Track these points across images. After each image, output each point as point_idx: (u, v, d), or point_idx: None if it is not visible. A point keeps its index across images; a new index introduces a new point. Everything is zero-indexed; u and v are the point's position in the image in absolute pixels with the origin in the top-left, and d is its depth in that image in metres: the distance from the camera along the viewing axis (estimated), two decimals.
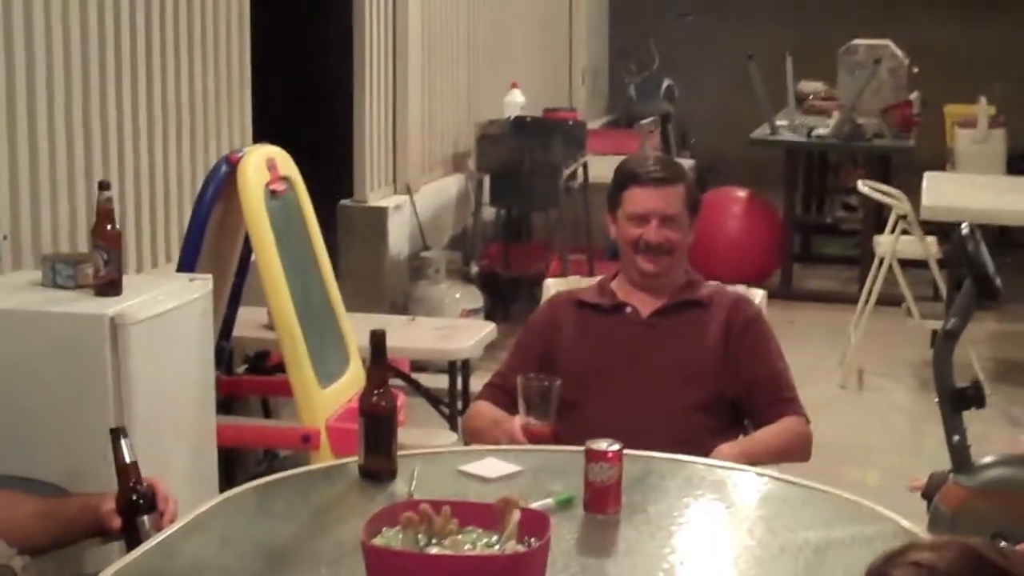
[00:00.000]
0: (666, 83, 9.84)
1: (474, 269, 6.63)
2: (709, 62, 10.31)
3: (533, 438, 2.78)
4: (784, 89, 8.53)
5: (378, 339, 2.47)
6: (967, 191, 6.70)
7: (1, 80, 3.57)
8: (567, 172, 6.71)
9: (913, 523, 2.36)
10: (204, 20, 4.65)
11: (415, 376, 4.90)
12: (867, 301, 6.32)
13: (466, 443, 3.16)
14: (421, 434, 4.41)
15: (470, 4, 7.38)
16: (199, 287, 3.38)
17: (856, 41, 8.36)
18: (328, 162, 5.83)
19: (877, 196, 6.49)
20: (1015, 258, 7.40)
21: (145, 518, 2.34)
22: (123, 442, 2.37)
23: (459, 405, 4.63)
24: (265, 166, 3.80)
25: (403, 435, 2.62)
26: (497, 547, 2.01)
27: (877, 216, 7.26)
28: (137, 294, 3.15)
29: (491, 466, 2.56)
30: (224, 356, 4.17)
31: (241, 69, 4.95)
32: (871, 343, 6.35)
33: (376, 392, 2.45)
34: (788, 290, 7.67)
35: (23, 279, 3.36)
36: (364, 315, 4.78)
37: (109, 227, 3.11)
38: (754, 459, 2.82)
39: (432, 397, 4.84)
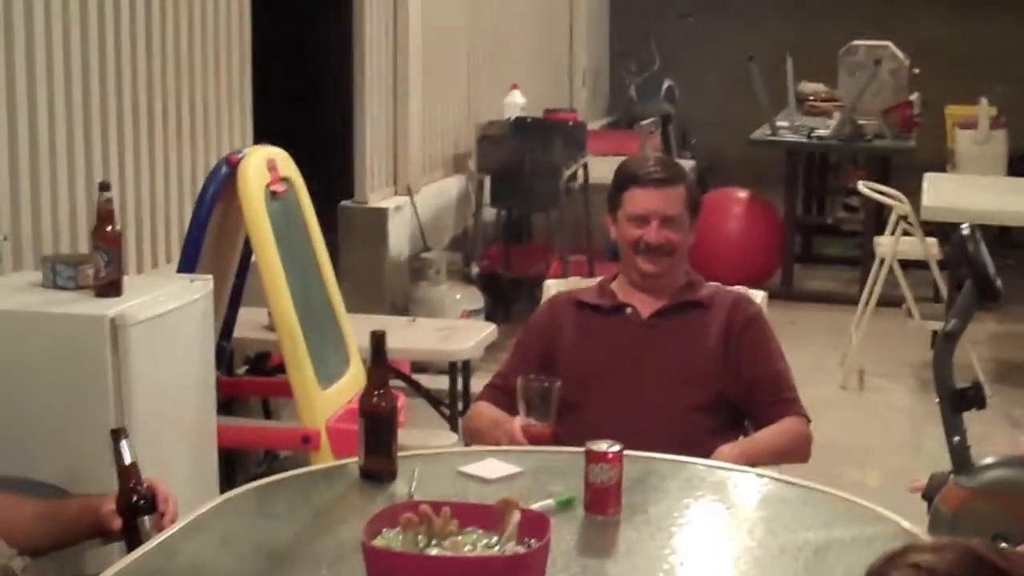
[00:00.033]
0: (666, 84, 9.83)
1: (475, 270, 6.63)
2: (710, 63, 10.30)
3: (533, 439, 2.78)
4: (785, 90, 8.53)
5: (378, 340, 2.47)
6: (968, 192, 6.70)
7: (1, 80, 3.58)
8: (567, 173, 6.71)
9: (913, 524, 2.35)
10: (204, 21, 4.65)
11: (415, 377, 4.90)
12: (868, 302, 6.32)
13: (467, 444, 3.16)
14: (421, 435, 4.41)
15: (470, 5, 7.38)
16: (199, 288, 3.38)
17: (856, 42, 8.35)
18: (328, 163, 5.83)
19: (878, 197, 6.49)
20: (1016, 259, 7.40)
21: (146, 519, 2.34)
22: (123, 443, 2.37)
23: (459, 406, 4.63)
24: (265, 167, 3.80)
25: (403, 436, 2.62)
26: (497, 548, 2.01)
27: (878, 217, 7.26)
28: (137, 295, 3.15)
29: (491, 467, 2.56)
30: (224, 357, 4.18)
31: (241, 70, 4.95)
32: (872, 344, 6.35)
33: (376, 393, 2.46)
34: (789, 291, 7.67)
35: (23, 280, 3.36)
36: (364, 316, 4.78)
37: (109, 228, 3.11)
38: (754, 460, 2.82)
39: (432, 398, 4.84)
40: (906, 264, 6.33)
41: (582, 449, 2.38)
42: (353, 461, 2.52)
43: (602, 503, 2.35)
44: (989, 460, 3.48)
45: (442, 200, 6.98)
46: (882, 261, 6.28)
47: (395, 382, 3.95)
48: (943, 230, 6.23)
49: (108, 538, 2.41)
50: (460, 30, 7.25)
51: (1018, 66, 9.77)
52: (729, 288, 3.27)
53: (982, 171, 7.68)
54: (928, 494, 3.50)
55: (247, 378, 4.62)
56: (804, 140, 8.09)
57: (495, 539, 2.02)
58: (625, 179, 3.16)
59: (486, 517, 2.05)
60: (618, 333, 3.12)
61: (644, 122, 8.17)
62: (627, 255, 3.16)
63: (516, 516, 2.02)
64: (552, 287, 3.48)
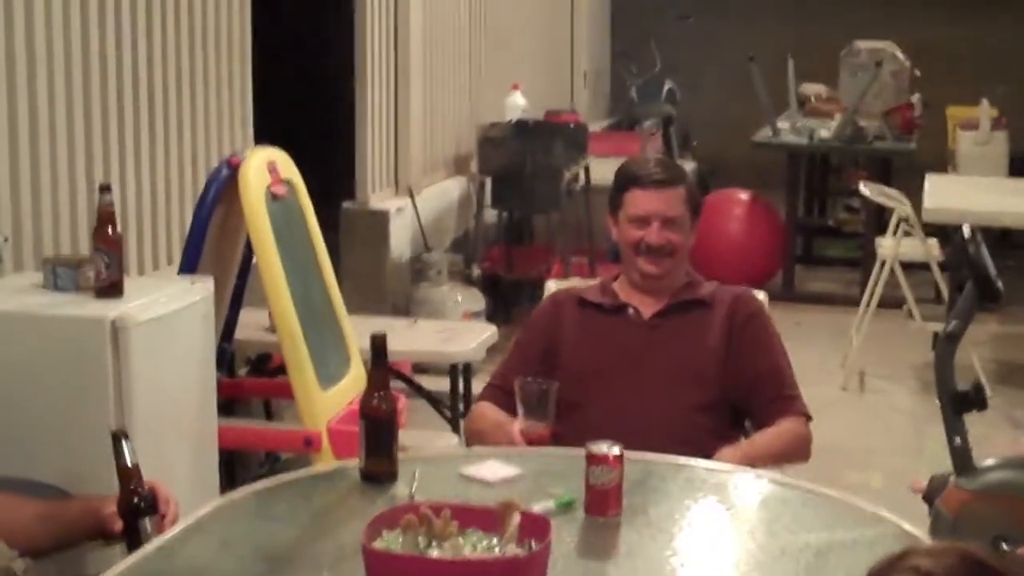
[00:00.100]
0: (668, 85, 9.84)
1: (476, 271, 6.63)
2: (710, 64, 10.31)
3: (532, 443, 2.78)
4: (786, 91, 8.53)
5: (379, 342, 2.47)
6: (969, 193, 6.70)
7: (2, 82, 3.58)
8: (569, 175, 6.72)
9: (915, 526, 2.35)
10: (205, 22, 4.65)
11: (416, 378, 4.90)
12: (869, 303, 6.32)
13: (468, 445, 3.16)
14: (422, 436, 4.41)
15: (471, 6, 7.38)
16: (200, 290, 3.38)
17: (857, 43, 8.36)
18: (329, 164, 5.83)
19: (879, 198, 6.49)
20: (1017, 260, 7.40)
21: (146, 521, 2.34)
22: (124, 445, 2.37)
23: (460, 408, 4.63)
24: (266, 169, 3.80)
25: (404, 437, 2.62)
26: (497, 550, 2.01)
27: (879, 218, 7.26)
28: (138, 297, 3.15)
29: (492, 469, 2.56)
30: (225, 358, 4.18)
31: (242, 71, 4.95)
32: (873, 345, 6.35)
33: (377, 395, 2.46)
34: (790, 292, 7.68)
35: (24, 281, 3.36)
36: (365, 317, 4.77)
37: (110, 230, 3.11)
38: (755, 463, 2.82)
39: (433, 400, 4.84)
40: (907, 265, 6.34)
41: (582, 451, 2.38)
42: (354, 463, 2.52)
43: (602, 505, 2.35)
44: (990, 462, 3.48)
45: (443, 201, 6.98)
46: (883, 262, 6.28)
47: (396, 383, 3.95)
48: (944, 231, 6.24)
49: (109, 540, 2.41)
50: (461, 32, 7.26)
51: (1019, 67, 9.78)
52: (731, 286, 3.27)
53: (983, 172, 7.69)
54: (929, 496, 3.50)
55: (248, 379, 4.61)
56: (805, 142, 8.10)
57: (495, 541, 2.02)
58: (626, 180, 3.16)
59: (486, 519, 2.05)
60: (619, 333, 3.12)
61: (645, 124, 8.19)
62: (628, 256, 3.16)
63: (516, 518, 2.03)
64: (553, 288, 3.48)
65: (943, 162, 8.23)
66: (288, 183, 3.91)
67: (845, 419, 5.65)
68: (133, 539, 2.32)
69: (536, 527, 2.04)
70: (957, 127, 8.33)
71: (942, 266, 6.29)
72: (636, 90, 9.80)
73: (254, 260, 3.90)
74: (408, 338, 4.66)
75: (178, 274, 3.80)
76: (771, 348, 3.14)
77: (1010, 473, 3.46)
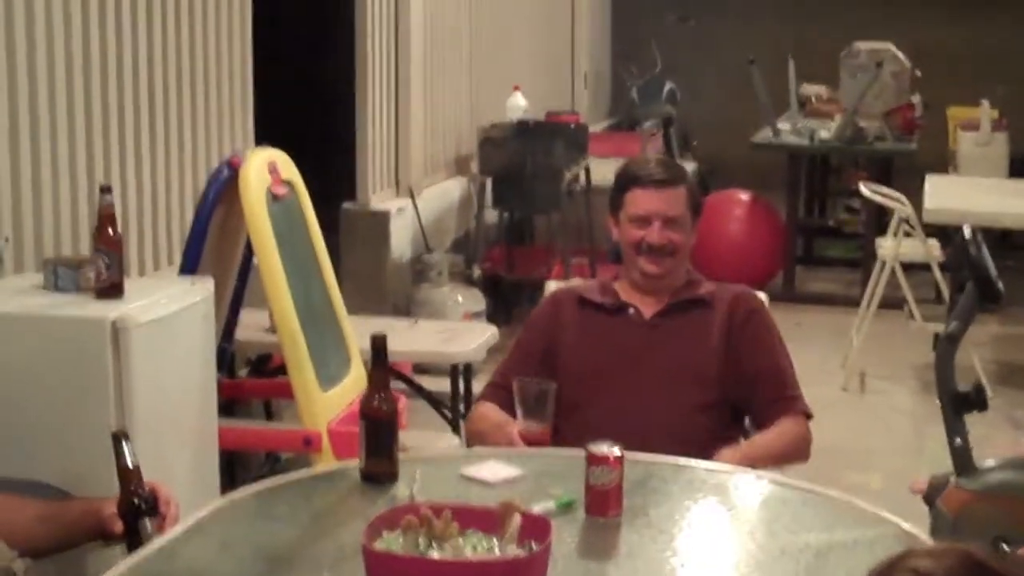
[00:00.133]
0: (668, 86, 9.84)
1: (476, 272, 6.63)
2: (711, 65, 10.31)
3: (531, 444, 2.78)
4: (786, 92, 8.53)
5: (379, 343, 2.47)
6: (969, 194, 6.70)
7: (3, 83, 3.58)
8: (569, 175, 6.72)
9: (915, 527, 2.35)
10: (206, 23, 4.66)
11: (417, 379, 4.90)
12: (869, 304, 6.32)
13: (469, 445, 3.16)
14: (423, 437, 4.41)
15: (472, 7, 7.38)
16: (201, 290, 3.38)
17: (858, 44, 8.36)
18: (330, 165, 5.83)
19: (879, 199, 6.49)
20: (1017, 261, 7.40)
21: (147, 521, 2.33)
22: (125, 446, 2.37)
23: (461, 408, 4.63)
24: (267, 169, 3.80)
25: (405, 438, 2.62)
26: (498, 551, 2.01)
27: (879, 219, 7.26)
28: (139, 297, 3.15)
29: (493, 470, 2.56)
30: (226, 359, 4.18)
31: (243, 72, 4.95)
32: (873, 346, 6.35)
33: (377, 395, 2.46)
34: (791, 293, 7.68)
35: (25, 282, 3.36)
36: (366, 318, 4.77)
37: (111, 231, 3.11)
38: (755, 463, 2.82)
39: (434, 400, 4.84)
40: (907, 266, 6.34)
41: (582, 452, 2.38)
42: (354, 464, 2.52)
43: (603, 505, 2.35)
44: (991, 462, 3.47)
45: (444, 202, 6.98)
46: (883, 263, 6.28)
47: (396, 384, 3.95)
48: (944, 232, 6.23)
49: (109, 540, 2.40)
50: (462, 32, 7.26)
51: (1019, 67, 9.78)
52: (731, 284, 3.27)
53: (983, 173, 7.69)
54: (929, 497, 3.50)
55: (248, 380, 4.62)
56: (806, 142, 8.10)
57: (496, 542, 2.02)
58: (626, 180, 3.17)
59: (487, 520, 2.06)
60: (620, 333, 3.12)
61: (646, 124, 8.19)
62: (629, 256, 3.16)
63: (517, 519, 2.03)
64: (554, 289, 3.47)
65: (944, 163, 8.23)
66: (289, 184, 3.91)
67: (846, 419, 5.65)
68: (133, 540, 2.32)
69: (536, 528, 2.04)
70: (958, 128, 8.33)
71: (942, 267, 6.29)
72: (636, 91, 9.81)
73: (254, 261, 3.90)
74: (409, 339, 4.66)
75: (178, 275, 3.80)
76: (771, 347, 3.14)
77: (1011, 474, 3.45)
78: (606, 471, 2.35)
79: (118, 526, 2.35)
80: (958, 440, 3.46)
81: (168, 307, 3.20)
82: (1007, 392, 5.96)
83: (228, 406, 4.12)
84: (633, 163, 3.27)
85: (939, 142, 8.52)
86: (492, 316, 6.28)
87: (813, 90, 9.22)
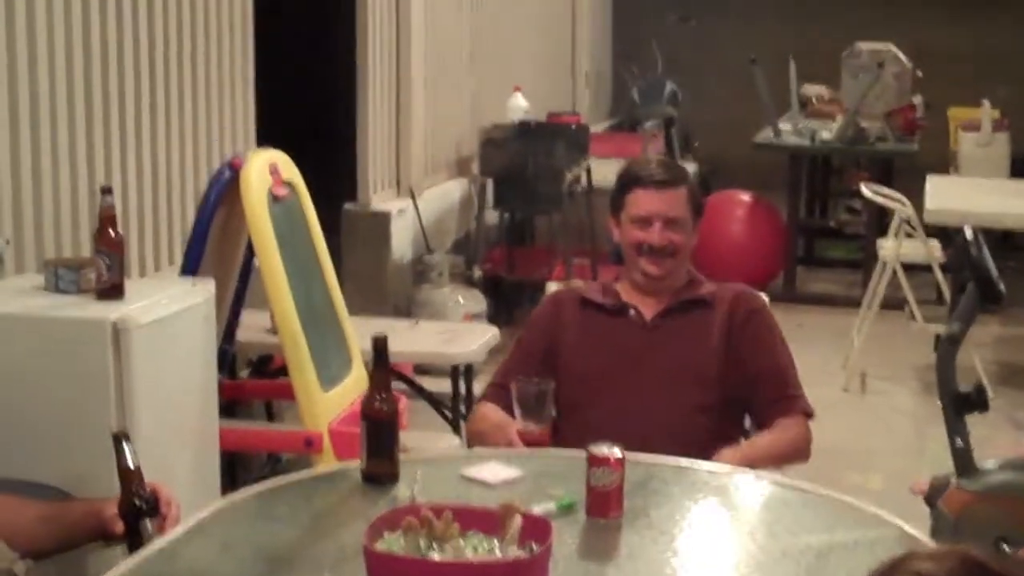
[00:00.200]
0: (669, 87, 9.83)
1: (477, 273, 6.63)
2: (712, 66, 10.31)
3: (530, 445, 2.78)
4: (787, 92, 8.54)
5: (380, 344, 2.47)
6: (970, 195, 6.70)
7: (4, 84, 3.58)
8: (570, 176, 6.72)
9: (916, 528, 2.35)
10: (207, 24, 4.66)
11: (418, 380, 4.90)
12: (870, 305, 6.32)
13: (469, 446, 3.16)
14: (424, 438, 4.41)
15: (473, 8, 7.38)
16: (202, 291, 3.38)
17: (859, 44, 8.36)
18: (331, 166, 5.83)
19: (880, 199, 6.49)
20: (1018, 262, 7.41)
21: (147, 522, 2.33)
22: (126, 446, 2.37)
23: (462, 409, 4.63)
24: (268, 170, 3.80)
25: (405, 439, 2.62)
26: (498, 552, 2.01)
27: (880, 220, 7.27)
28: (140, 298, 3.15)
29: (493, 471, 2.56)
30: (227, 360, 4.18)
31: (244, 73, 4.95)
32: (874, 347, 6.35)
33: (378, 396, 2.46)
34: (791, 293, 7.68)
35: (26, 283, 3.36)
36: (367, 319, 4.78)
37: (112, 232, 3.11)
38: (755, 464, 2.82)
39: (435, 401, 4.84)
40: (909, 267, 6.34)
41: (583, 453, 2.38)
42: (355, 464, 2.52)
43: (603, 507, 2.35)
44: (992, 463, 3.47)
45: (445, 203, 6.98)
46: (884, 264, 6.28)
47: (397, 385, 3.95)
48: (946, 233, 6.23)
49: (110, 541, 2.40)
50: (463, 33, 7.26)
51: (1021, 68, 9.77)
52: (732, 284, 3.27)
53: (985, 174, 7.69)
54: (930, 497, 3.50)
55: (249, 381, 4.62)
56: (807, 143, 8.10)
57: (496, 543, 2.02)
58: (628, 181, 3.16)
59: (488, 521, 2.06)
60: (621, 334, 3.12)
61: (647, 125, 8.18)
62: (630, 257, 3.16)
63: (518, 520, 2.03)
64: (555, 289, 3.47)
65: (945, 163, 8.23)
66: (290, 185, 3.91)
67: (846, 420, 5.65)
68: (134, 541, 2.32)
69: (537, 529, 2.04)
70: (959, 128, 8.34)
71: (943, 267, 6.29)
72: (637, 91, 9.80)
73: (255, 262, 3.90)
74: (409, 339, 4.66)
75: (179, 276, 3.80)
76: (772, 346, 3.13)
77: (1012, 475, 3.45)
78: (607, 472, 2.35)
79: (119, 527, 2.35)
80: (959, 441, 3.46)
81: (169, 308, 3.20)
82: (1008, 393, 5.96)
83: (229, 407, 4.12)
84: (634, 164, 3.27)
85: (940, 143, 8.52)
86: (493, 317, 6.28)
87: (814, 90, 9.22)
